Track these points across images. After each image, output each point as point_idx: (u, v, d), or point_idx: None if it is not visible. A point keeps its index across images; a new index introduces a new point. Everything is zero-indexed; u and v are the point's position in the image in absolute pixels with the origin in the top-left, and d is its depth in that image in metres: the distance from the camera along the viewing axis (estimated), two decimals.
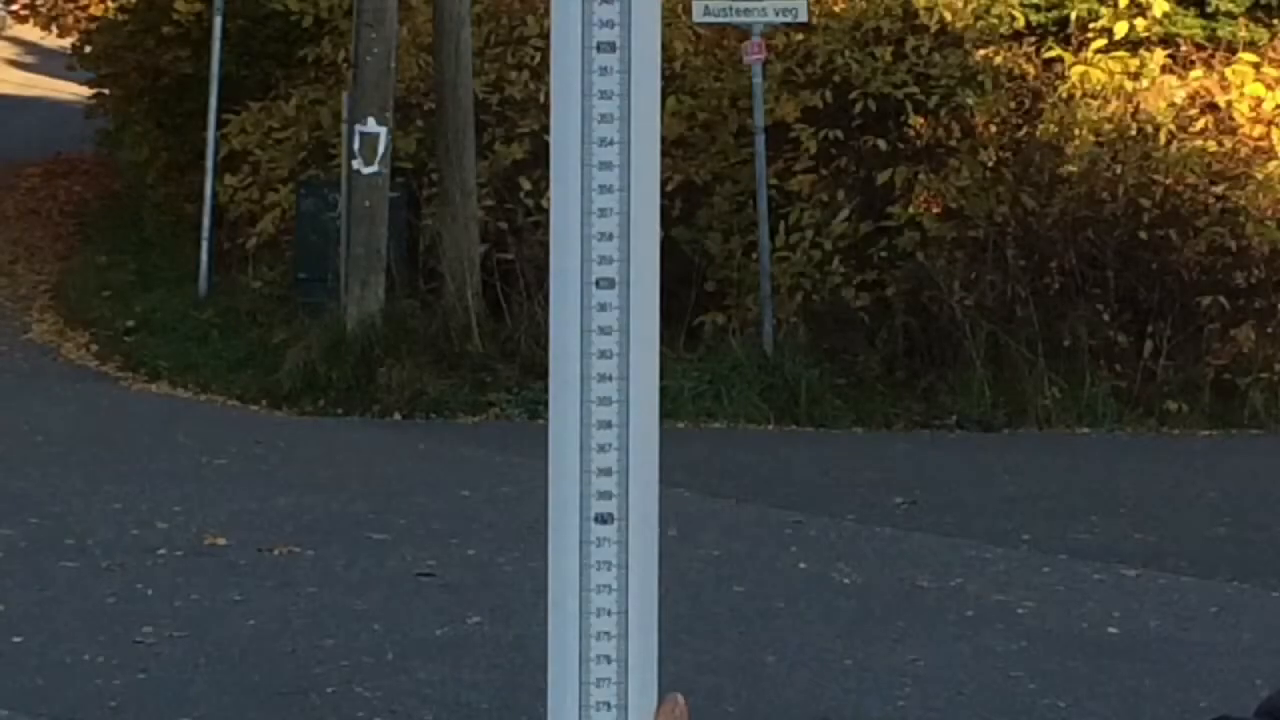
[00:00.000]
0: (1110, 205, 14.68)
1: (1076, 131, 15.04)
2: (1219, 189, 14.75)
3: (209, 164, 17.12)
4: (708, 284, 14.91)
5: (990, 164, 15.02)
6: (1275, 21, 16.27)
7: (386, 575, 8.81)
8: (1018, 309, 14.31)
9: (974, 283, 14.42)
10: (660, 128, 1.40)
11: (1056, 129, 15.20)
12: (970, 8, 15.66)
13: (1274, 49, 15.89)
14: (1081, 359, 14.15)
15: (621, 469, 1.38)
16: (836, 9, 16.13)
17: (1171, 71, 15.75)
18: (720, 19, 14.99)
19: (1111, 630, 8.19)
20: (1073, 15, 16.06)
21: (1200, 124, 15.18)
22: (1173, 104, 15.33)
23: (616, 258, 1.38)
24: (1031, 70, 15.73)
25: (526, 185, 14.94)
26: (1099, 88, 15.30)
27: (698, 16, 14.95)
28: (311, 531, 9.61)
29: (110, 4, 21.62)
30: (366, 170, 14.31)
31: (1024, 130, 15.43)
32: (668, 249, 12.80)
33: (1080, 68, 15.41)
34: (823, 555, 9.43)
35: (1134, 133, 15.06)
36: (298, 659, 7.49)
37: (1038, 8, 16.17)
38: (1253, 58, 15.56)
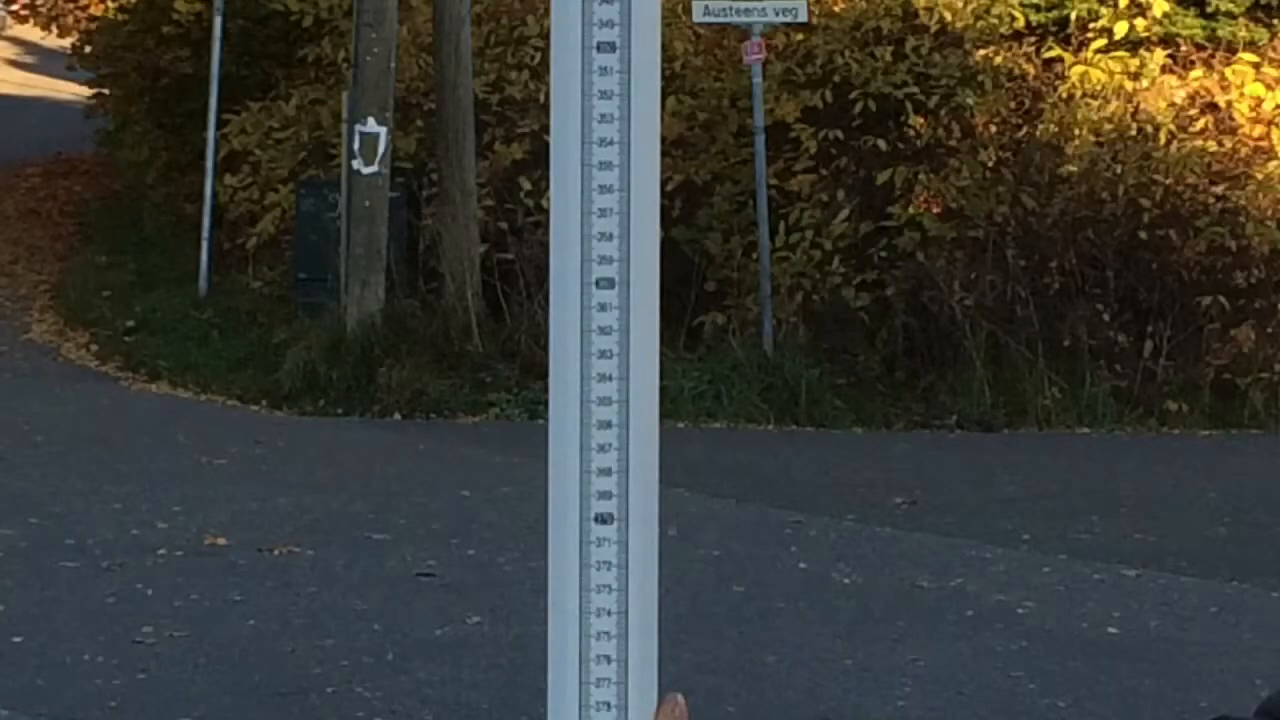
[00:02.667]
0: (1110, 205, 14.68)
1: (1076, 131, 15.04)
2: (1219, 189, 14.76)
3: (209, 164, 17.12)
4: (708, 284, 14.92)
5: (990, 164, 15.02)
6: (1275, 21, 16.27)
7: (386, 575, 8.81)
8: (1018, 309, 14.31)
9: (974, 283, 14.42)
10: (660, 128, 1.40)
11: (1056, 129, 15.20)
12: (970, 8, 15.66)
13: (1274, 49, 15.89)
14: (1081, 359, 14.15)
15: (621, 469, 1.38)
16: (836, 9, 16.13)
17: (1171, 71, 15.75)
18: (720, 19, 14.99)
19: (1111, 630, 8.19)
20: (1073, 15, 16.06)
21: (1200, 124, 15.18)
22: (1173, 104, 15.33)
23: (616, 258, 1.38)
24: (1031, 70, 15.73)
25: (526, 185, 14.94)
26: (1099, 88, 15.30)
27: (698, 16, 14.95)
28: (311, 531, 9.61)
29: (110, 4, 21.62)
30: (366, 170, 14.31)
31: (1024, 130, 15.43)
32: (668, 249, 12.80)
33: (1080, 68, 15.41)
34: (823, 555, 9.43)
35: (1134, 133, 15.05)
36: (298, 659, 7.49)
37: (1038, 8, 16.16)
38: (1253, 58, 15.56)
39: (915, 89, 15.22)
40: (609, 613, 1.39)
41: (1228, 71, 15.54)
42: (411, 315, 14.33)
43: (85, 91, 22.19)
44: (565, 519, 1.39)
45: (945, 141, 15.17)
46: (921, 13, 15.64)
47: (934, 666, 7.57)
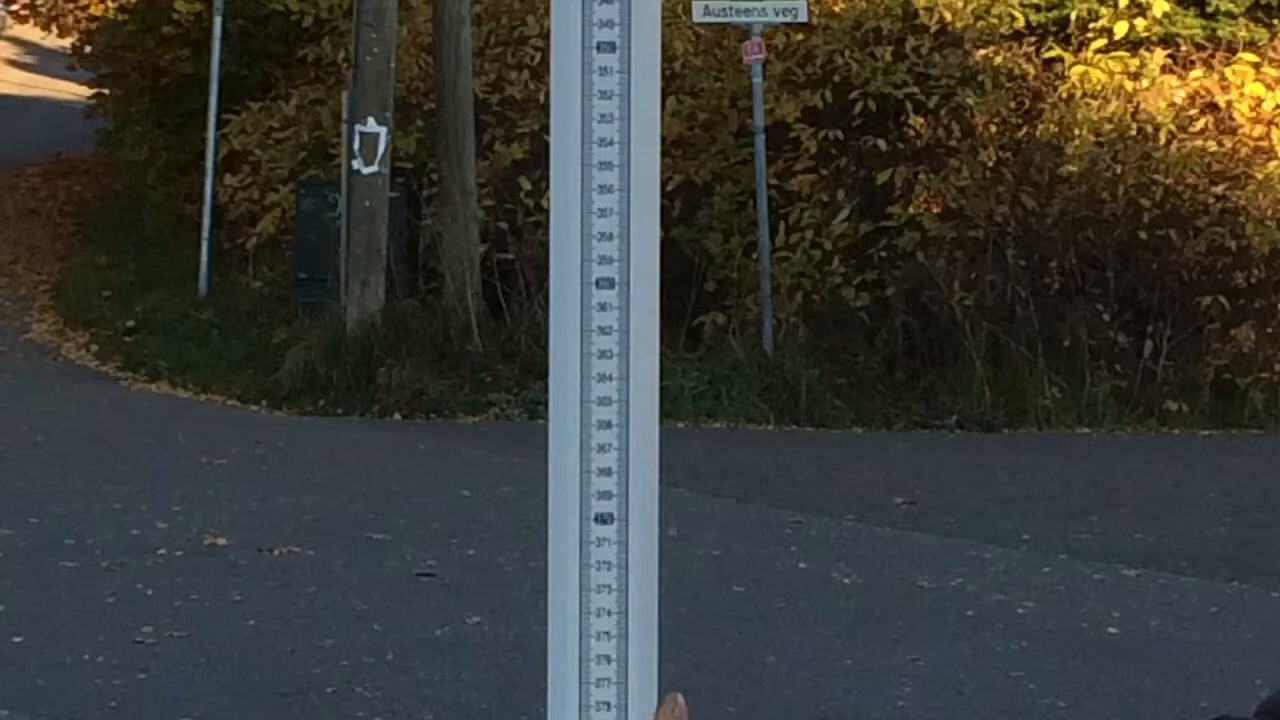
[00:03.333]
0: (1110, 205, 14.68)
1: (1076, 131, 15.04)
2: (1219, 189, 14.76)
3: (209, 164, 17.13)
4: (708, 284, 14.92)
5: (990, 164, 15.02)
6: (1275, 21, 16.27)
7: (386, 575, 8.81)
8: (1018, 309, 14.32)
9: (974, 283, 14.43)
10: (660, 128, 1.40)
11: (1056, 129, 15.20)
12: (970, 8, 15.66)
13: (1274, 49, 15.89)
14: (1081, 359, 14.15)
15: (621, 469, 1.38)
16: (836, 9, 16.13)
17: (1171, 71, 15.75)
18: (720, 19, 14.99)
19: (1111, 630, 8.19)
20: (1073, 15, 16.06)
21: (1200, 124, 15.18)
22: (1173, 104, 15.33)
23: (616, 258, 1.38)
24: (1031, 70, 15.73)
25: (526, 185, 14.94)
26: (1099, 88, 15.30)
27: (698, 16, 14.95)
28: (311, 531, 9.61)
29: (110, 4, 21.62)
30: (366, 170, 14.32)
31: (1024, 130, 15.43)
32: (668, 249, 12.80)
33: (1080, 68, 15.41)
34: (823, 555, 9.43)
35: (1134, 133, 15.06)
36: (298, 659, 7.49)
37: (1038, 8, 16.17)
38: (1253, 58, 15.56)
39: (915, 89, 15.22)
40: (609, 613, 1.39)
41: (1228, 71, 15.54)
42: (411, 315, 14.33)
43: (85, 91, 22.20)
44: (565, 519, 1.39)
45: (945, 141, 15.17)
46: (921, 13, 15.65)
47: (934, 666, 7.57)
